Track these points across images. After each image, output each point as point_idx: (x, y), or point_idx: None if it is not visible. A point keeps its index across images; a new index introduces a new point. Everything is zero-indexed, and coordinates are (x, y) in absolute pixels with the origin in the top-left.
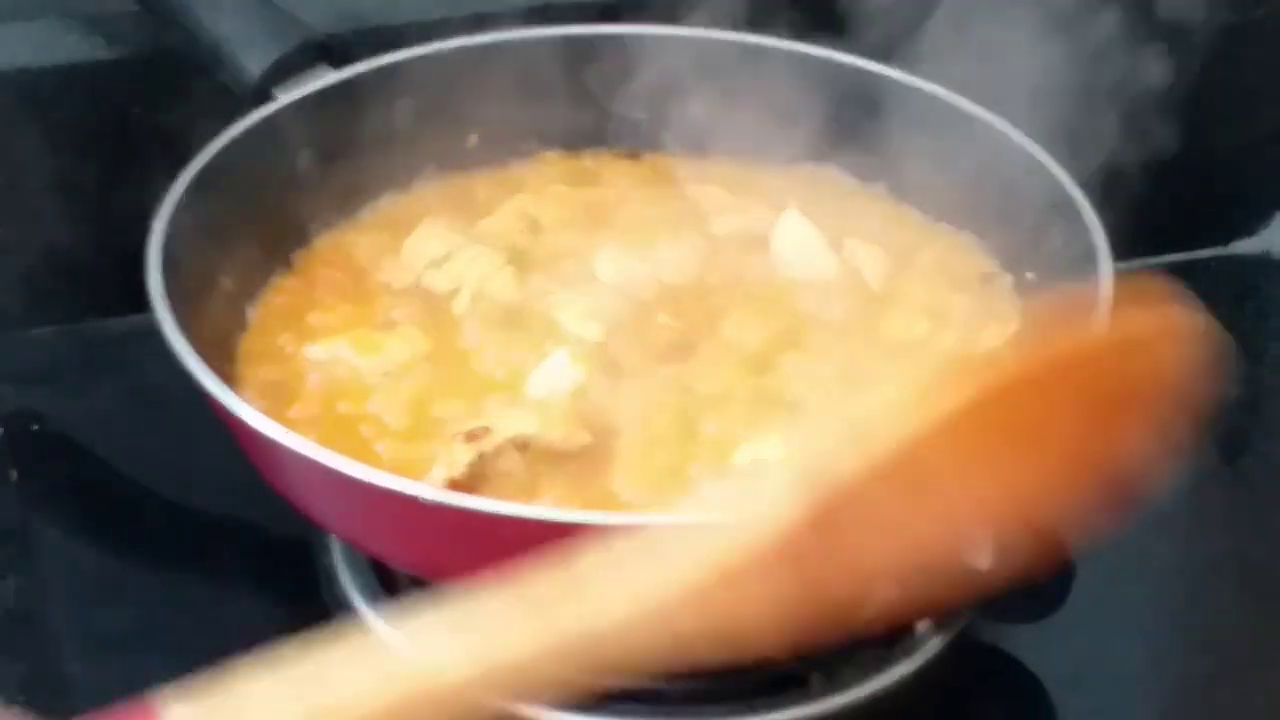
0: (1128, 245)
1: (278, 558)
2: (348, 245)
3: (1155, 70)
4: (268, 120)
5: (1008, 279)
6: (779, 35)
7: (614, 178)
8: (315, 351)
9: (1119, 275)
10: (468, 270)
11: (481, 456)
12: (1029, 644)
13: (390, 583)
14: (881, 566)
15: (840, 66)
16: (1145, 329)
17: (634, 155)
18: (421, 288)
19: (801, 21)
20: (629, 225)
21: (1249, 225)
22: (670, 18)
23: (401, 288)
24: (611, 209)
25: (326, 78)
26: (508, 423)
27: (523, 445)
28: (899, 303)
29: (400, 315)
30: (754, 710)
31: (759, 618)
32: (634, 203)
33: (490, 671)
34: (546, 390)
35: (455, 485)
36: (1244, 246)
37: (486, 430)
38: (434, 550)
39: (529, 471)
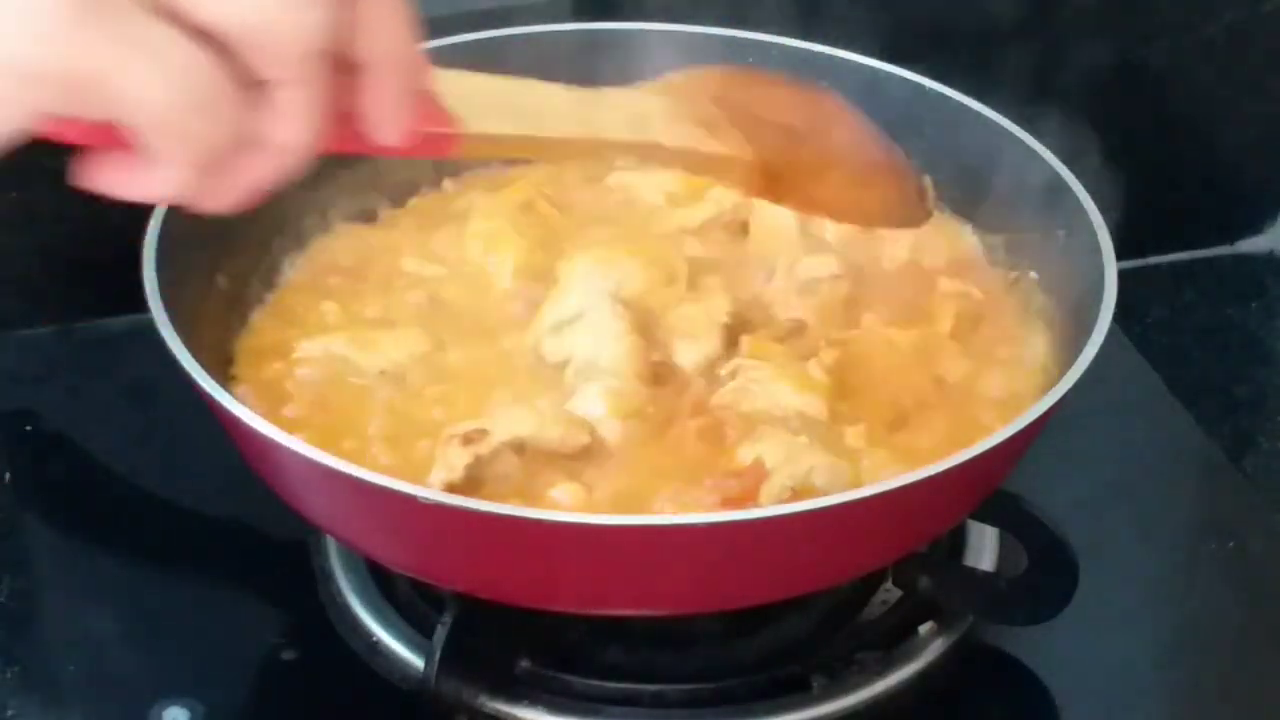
0: (1133, 243)
1: (273, 558)
2: (345, 244)
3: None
4: None
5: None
6: (780, 33)
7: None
8: (313, 350)
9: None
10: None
11: (478, 459)
12: (1031, 646)
13: (386, 583)
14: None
15: (842, 64)
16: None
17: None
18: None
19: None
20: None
21: (1255, 223)
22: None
23: (400, 287)
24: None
25: None
26: (505, 424)
27: (519, 447)
28: (900, 301)
29: (398, 315)
30: (757, 714)
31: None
32: None
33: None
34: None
35: (452, 490)
36: (1250, 245)
37: (483, 433)
38: (430, 551)
39: (527, 472)
